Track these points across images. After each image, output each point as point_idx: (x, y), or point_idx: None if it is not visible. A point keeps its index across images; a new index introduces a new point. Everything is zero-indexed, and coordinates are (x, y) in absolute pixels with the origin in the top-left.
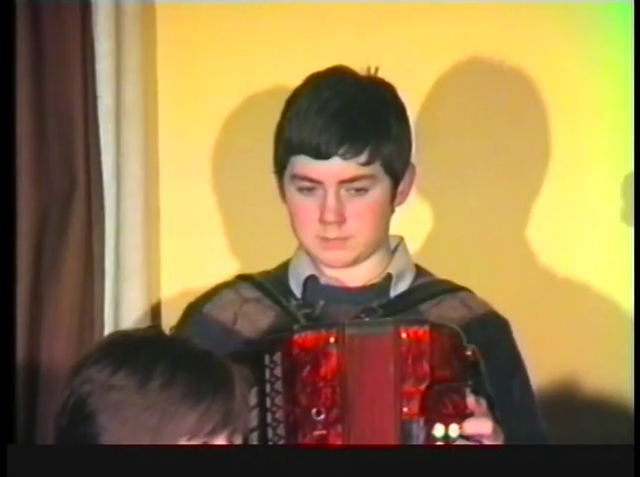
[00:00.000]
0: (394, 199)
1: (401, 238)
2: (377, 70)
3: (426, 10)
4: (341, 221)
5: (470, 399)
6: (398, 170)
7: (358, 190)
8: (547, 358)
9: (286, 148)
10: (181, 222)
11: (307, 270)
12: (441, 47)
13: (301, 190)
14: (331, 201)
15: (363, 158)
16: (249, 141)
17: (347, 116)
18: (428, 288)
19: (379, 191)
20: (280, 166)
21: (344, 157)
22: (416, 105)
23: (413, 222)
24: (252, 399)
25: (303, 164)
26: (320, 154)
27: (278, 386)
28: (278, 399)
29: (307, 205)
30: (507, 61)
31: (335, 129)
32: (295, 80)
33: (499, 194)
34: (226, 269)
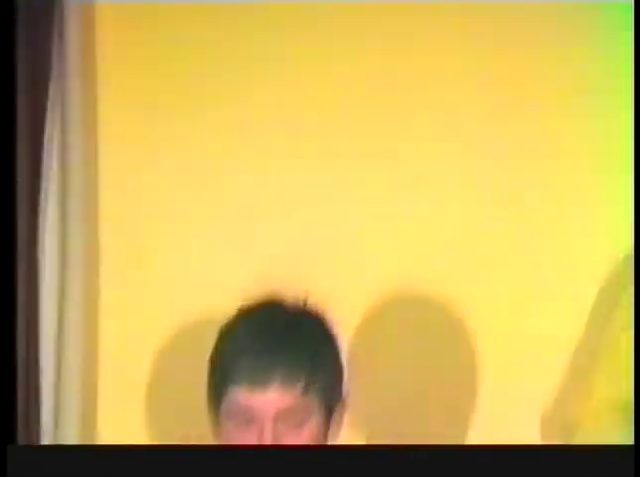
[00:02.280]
0: (327, 432)
1: None
2: (306, 299)
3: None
4: None
5: None
6: (332, 400)
7: (295, 423)
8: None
9: (221, 380)
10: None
11: None
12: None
13: (238, 425)
14: (268, 435)
15: (299, 388)
16: (186, 374)
17: (282, 347)
18: None
19: (314, 424)
20: (215, 400)
21: (280, 387)
22: (348, 332)
23: None
24: None
25: (240, 395)
26: (257, 384)
27: None
28: None
29: (244, 440)
30: None
31: (271, 360)
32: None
33: None
34: None
